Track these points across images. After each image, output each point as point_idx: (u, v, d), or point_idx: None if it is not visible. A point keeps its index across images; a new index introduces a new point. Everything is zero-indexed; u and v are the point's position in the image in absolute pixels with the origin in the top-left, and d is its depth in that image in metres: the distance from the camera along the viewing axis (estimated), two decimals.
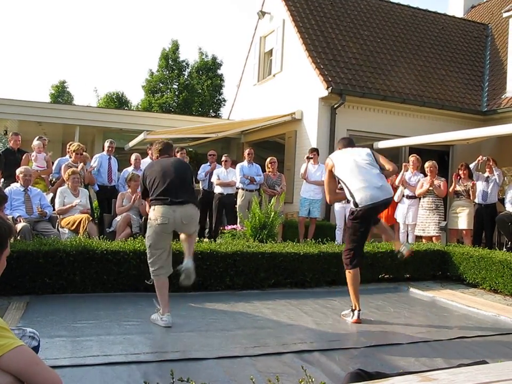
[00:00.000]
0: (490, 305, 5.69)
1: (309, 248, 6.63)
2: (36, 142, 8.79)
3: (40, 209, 7.01)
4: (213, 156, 10.48)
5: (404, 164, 9.34)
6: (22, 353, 1.85)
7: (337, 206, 9.34)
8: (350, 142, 5.48)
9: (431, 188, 8.51)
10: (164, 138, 11.60)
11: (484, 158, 9.20)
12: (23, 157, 8.46)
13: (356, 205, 4.87)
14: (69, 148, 8.91)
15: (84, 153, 9.20)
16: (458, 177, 8.88)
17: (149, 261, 4.66)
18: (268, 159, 9.76)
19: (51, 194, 8.27)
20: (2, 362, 1.80)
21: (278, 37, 13.14)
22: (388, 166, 5.20)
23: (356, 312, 4.86)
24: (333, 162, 5.13)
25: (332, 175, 5.18)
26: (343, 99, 10.67)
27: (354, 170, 4.96)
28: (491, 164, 9.07)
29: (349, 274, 4.94)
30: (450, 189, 8.81)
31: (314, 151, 9.64)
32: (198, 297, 5.54)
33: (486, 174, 9.09)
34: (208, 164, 10.42)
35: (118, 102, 30.61)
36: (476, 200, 8.88)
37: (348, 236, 5.14)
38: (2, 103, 13.02)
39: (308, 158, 9.54)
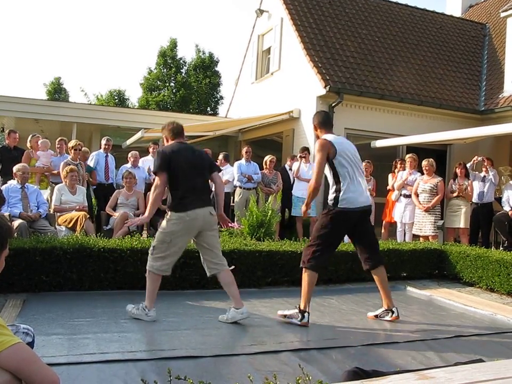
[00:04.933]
0: (487, 304, 5.70)
1: None
2: (40, 140, 8.81)
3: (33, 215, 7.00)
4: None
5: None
6: (19, 350, 1.84)
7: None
8: (331, 121, 5.01)
9: (428, 187, 8.52)
10: (161, 136, 11.65)
11: (479, 158, 9.21)
12: (24, 155, 8.46)
13: (336, 203, 4.62)
14: (58, 144, 8.95)
15: (84, 148, 9.22)
16: (455, 175, 8.93)
17: (157, 256, 4.53)
18: (267, 157, 9.74)
19: (48, 192, 8.28)
20: (0, 359, 1.80)
21: (276, 35, 13.14)
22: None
23: (306, 314, 4.60)
24: (335, 147, 4.61)
25: (326, 159, 4.62)
26: (340, 98, 10.68)
27: (354, 169, 4.68)
28: (486, 164, 9.09)
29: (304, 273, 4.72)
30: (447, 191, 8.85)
31: (305, 150, 9.63)
32: (195, 295, 5.54)
33: (483, 174, 9.12)
34: None
35: (118, 99, 30.56)
36: (473, 200, 8.90)
37: (313, 231, 4.84)
38: None
39: (300, 157, 9.53)
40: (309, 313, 4.62)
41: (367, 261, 4.87)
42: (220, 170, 5.00)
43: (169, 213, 4.57)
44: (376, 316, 4.94)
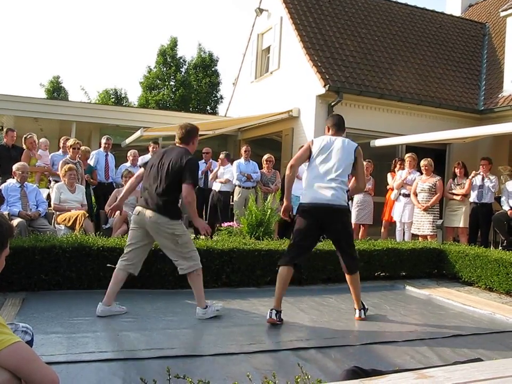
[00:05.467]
0: (485, 304, 5.71)
1: None
2: (42, 140, 8.81)
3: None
4: (207, 153, 10.47)
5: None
6: (19, 349, 1.85)
7: None
8: (340, 124, 5.01)
9: (427, 186, 8.53)
10: (160, 135, 11.67)
11: (477, 172, 9.17)
12: (23, 154, 8.46)
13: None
14: (62, 143, 8.93)
15: (85, 147, 9.21)
16: (454, 175, 8.91)
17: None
18: (265, 156, 9.75)
19: (47, 190, 8.28)
20: (0, 358, 1.80)
21: (275, 34, 13.14)
22: (360, 181, 4.93)
23: (273, 311, 4.58)
24: (314, 144, 4.80)
25: (308, 150, 4.78)
26: (340, 97, 10.68)
27: (320, 167, 4.71)
28: (483, 169, 9.00)
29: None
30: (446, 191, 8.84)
31: None
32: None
33: (481, 178, 9.05)
34: (203, 161, 10.43)
35: (115, 98, 30.54)
36: (471, 200, 8.89)
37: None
38: None
39: None
40: (279, 312, 4.63)
41: (342, 264, 4.90)
42: (191, 183, 4.66)
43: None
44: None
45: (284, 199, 4.96)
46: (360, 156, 4.85)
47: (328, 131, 5.01)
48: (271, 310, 4.58)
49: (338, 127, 4.98)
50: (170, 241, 4.63)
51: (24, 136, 9.03)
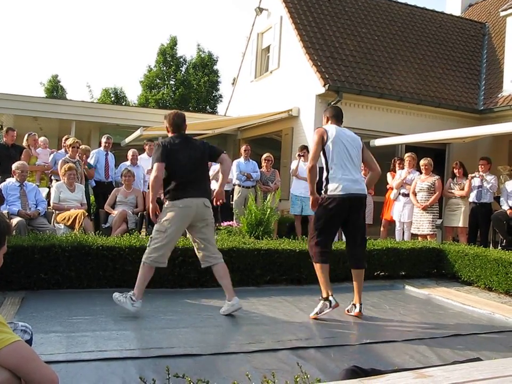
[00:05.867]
0: (485, 303, 5.71)
1: (304, 245, 6.62)
2: (41, 138, 8.80)
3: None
4: None
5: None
6: (19, 348, 1.85)
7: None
8: (339, 116, 5.15)
9: (425, 186, 8.53)
10: (160, 134, 11.65)
11: (473, 174, 9.17)
12: (23, 153, 8.46)
13: (326, 191, 4.81)
14: (64, 142, 8.91)
15: (85, 146, 9.20)
16: (453, 175, 8.91)
17: (154, 245, 4.66)
18: (264, 156, 9.75)
19: (47, 189, 8.28)
20: None
21: (275, 34, 13.12)
22: (374, 165, 5.10)
23: (330, 298, 4.75)
24: (327, 134, 4.86)
25: (321, 142, 4.84)
26: (340, 96, 10.67)
27: (342, 157, 4.80)
28: (481, 169, 9.00)
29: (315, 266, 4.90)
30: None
31: (304, 148, 9.61)
32: (194, 294, 5.54)
33: (480, 173, 9.05)
34: None
35: (115, 97, 30.55)
36: (471, 199, 8.89)
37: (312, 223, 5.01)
38: None
39: (298, 155, 9.51)
40: (333, 296, 4.77)
41: (350, 258, 5.07)
42: (224, 152, 5.06)
43: (166, 202, 4.74)
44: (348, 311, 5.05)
45: (310, 194, 5.00)
46: (364, 144, 5.05)
47: (328, 122, 5.09)
48: (332, 296, 4.73)
49: (337, 117, 5.09)
50: (209, 226, 4.87)
51: (28, 133, 9.03)
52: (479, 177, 8.88)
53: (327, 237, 4.89)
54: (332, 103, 10.73)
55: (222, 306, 4.83)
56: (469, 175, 8.91)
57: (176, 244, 5.64)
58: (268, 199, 7.99)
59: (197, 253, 4.91)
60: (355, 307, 4.97)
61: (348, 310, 5.04)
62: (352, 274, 5.03)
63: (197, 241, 4.85)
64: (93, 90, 32.24)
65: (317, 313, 4.80)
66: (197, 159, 4.78)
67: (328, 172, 4.83)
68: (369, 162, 5.14)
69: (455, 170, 8.91)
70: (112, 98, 30.26)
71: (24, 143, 8.99)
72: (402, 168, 9.30)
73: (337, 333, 4.44)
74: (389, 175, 9.63)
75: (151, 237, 4.76)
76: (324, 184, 4.85)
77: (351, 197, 4.75)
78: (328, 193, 4.78)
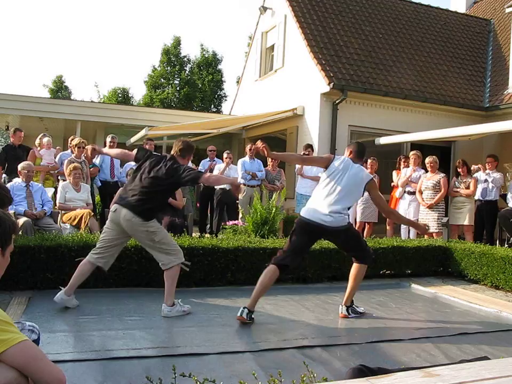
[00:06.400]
0: (492, 302, 5.69)
1: None
2: (45, 139, 8.83)
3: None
4: (212, 151, 10.49)
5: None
6: (26, 348, 1.85)
7: None
8: (362, 154, 5.05)
9: (431, 184, 8.51)
10: (165, 134, 11.69)
11: (476, 167, 9.16)
12: (29, 153, 8.48)
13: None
14: (70, 143, 8.93)
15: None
16: (458, 173, 8.90)
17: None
18: None
19: (53, 189, 8.30)
20: (7, 357, 1.80)
21: (279, 33, 13.11)
22: (382, 204, 5.02)
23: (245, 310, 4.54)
24: (331, 167, 4.80)
25: (314, 162, 4.93)
26: (344, 95, 10.65)
27: (334, 187, 4.72)
28: (481, 171, 8.98)
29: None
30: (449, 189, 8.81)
31: (309, 147, 9.60)
32: (200, 293, 5.55)
33: (487, 171, 9.04)
34: (208, 159, 10.44)
35: (122, 97, 30.63)
36: (476, 197, 8.87)
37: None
38: (4, 98, 13.03)
39: (303, 154, 9.48)
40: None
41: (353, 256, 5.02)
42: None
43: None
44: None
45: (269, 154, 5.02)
46: (373, 188, 4.89)
47: (350, 154, 5.00)
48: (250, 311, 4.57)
49: (359, 154, 4.99)
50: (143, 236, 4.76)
51: (42, 134, 9.08)
52: (478, 169, 8.88)
53: (293, 252, 4.78)
54: (337, 102, 10.72)
55: (228, 306, 4.84)
56: (472, 167, 8.90)
57: (182, 243, 5.66)
58: (273, 198, 7.99)
59: None
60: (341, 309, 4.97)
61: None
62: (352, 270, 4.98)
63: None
64: (100, 90, 32.26)
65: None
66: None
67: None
68: (378, 205, 5.12)
69: (459, 169, 8.89)
70: (120, 98, 30.32)
71: (37, 142, 9.03)
72: (408, 166, 9.27)
73: (343, 332, 4.44)
74: (394, 173, 9.61)
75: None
76: None
77: (312, 224, 4.65)
78: (301, 213, 4.79)
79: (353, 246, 4.96)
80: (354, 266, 4.95)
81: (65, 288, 4.64)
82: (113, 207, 4.82)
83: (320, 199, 4.74)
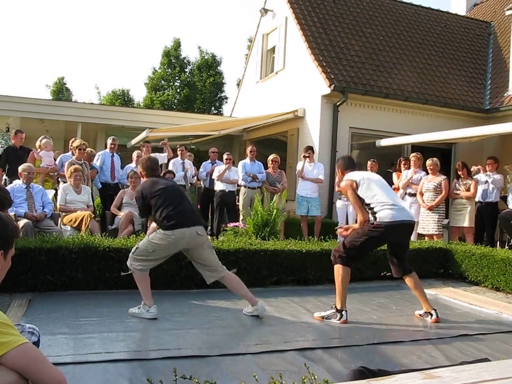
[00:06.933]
0: (492, 303, 5.69)
1: (311, 245, 6.62)
2: (45, 141, 8.83)
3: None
4: (214, 153, 10.50)
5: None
6: (27, 350, 1.85)
7: (339, 204, 9.37)
8: (353, 163, 5.33)
9: (432, 186, 8.51)
10: (166, 135, 11.68)
11: (476, 168, 9.14)
12: (29, 155, 8.49)
13: (375, 218, 4.81)
14: (71, 145, 8.93)
15: (90, 149, 9.23)
16: (458, 176, 8.90)
17: (137, 257, 4.68)
18: (271, 157, 9.74)
19: (53, 191, 8.30)
20: (7, 359, 1.80)
21: (280, 35, 13.12)
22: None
23: (343, 312, 4.77)
24: (356, 183, 4.94)
25: (355, 194, 4.94)
26: (345, 97, 10.66)
27: (382, 187, 4.95)
28: (481, 172, 8.97)
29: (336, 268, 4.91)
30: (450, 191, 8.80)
31: (310, 149, 9.60)
32: (200, 295, 5.54)
33: (485, 176, 9.02)
34: (209, 161, 10.44)
35: (122, 99, 30.65)
36: (476, 199, 8.87)
37: (350, 236, 4.96)
38: (5, 100, 13.03)
39: (304, 156, 9.50)
40: (346, 311, 4.79)
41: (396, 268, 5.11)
42: None
43: (159, 230, 4.72)
44: (420, 315, 5.07)
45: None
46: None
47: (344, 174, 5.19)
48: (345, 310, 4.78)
49: (353, 166, 5.27)
50: (206, 249, 4.85)
51: (43, 136, 9.08)
52: (478, 170, 8.88)
53: (357, 254, 5.00)
54: (338, 104, 10.72)
55: (229, 308, 4.84)
56: (472, 168, 8.89)
57: None
58: (274, 200, 7.99)
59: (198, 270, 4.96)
60: (430, 315, 4.96)
61: (420, 315, 5.08)
62: (409, 284, 5.07)
63: (194, 260, 4.91)
64: (101, 92, 32.24)
65: (322, 317, 4.81)
66: (179, 192, 5.02)
67: (369, 207, 4.88)
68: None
69: (459, 172, 8.89)
70: (119, 100, 30.34)
71: (37, 144, 9.05)
72: (408, 168, 9.27)
73: (344, 334, 4.44)
74: (394, 175, 9.61)
75: (137, 247, 4.75)
76: (372, 216, 4.89)
77: (404, 223, 4.83)
78: (378, 221, 4.79)
79: (408, 249, 5.34)
80: (409, 279, 5.04)
81: (146, 303, 4.64)
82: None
83: (395, 198, 5.07)
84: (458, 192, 8.77)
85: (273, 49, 13.89)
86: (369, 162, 9.25)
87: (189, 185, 10.09)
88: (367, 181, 4.91)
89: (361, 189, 4.88)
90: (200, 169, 10.50)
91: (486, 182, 8.91)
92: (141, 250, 4.69)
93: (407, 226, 4.90)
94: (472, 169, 9.11)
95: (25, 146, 9.06)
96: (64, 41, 60.64)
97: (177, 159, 9.94)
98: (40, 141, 8.99)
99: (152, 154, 9.42)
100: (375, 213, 4.78)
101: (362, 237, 4.81)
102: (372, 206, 4.81)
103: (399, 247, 5.05)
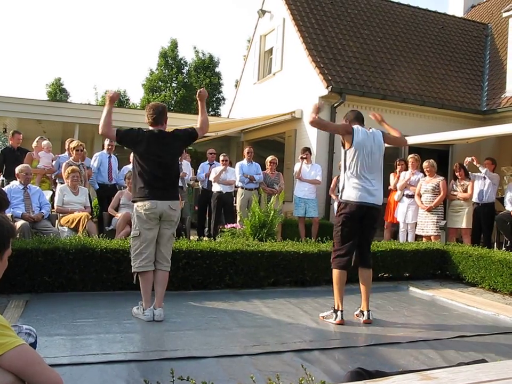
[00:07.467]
0: (489, 304, 5.69)
1: (308, 247, 6.63)
2: (44, 142, 8.82)
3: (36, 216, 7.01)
4: (212, 154, 10.50)
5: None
6: (23, 352, 1.84)
7: (336, 205, 9.38)
8: (361, 118, 5.30)
9: (430, 187, 8.52)
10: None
11: (469, 159, 9.14)
12: (26, 156, 8.47)
13: (341, 196, 4.88)
14: (68, 146, 8.92)
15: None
16: (455, 177, 8.91)
17: (134, 252, 4.68)
18: (269, 158, 9.74)
19: (50, 192, 8.28)
20: (4, 361, 1.79)
21: (278, 36, 13.14)
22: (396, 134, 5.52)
23: (338, 313, 4.75)
24: (354, 133, 4.94)
25: (339, 130, 5.08)
26: (343, 98, 10.67)
27: (365, 165, 4.91)
28: (474, 162, 8.97)
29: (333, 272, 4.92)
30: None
31: (307, 150, 9.60)
32: (198, 296, 5.54)
33: (482, 174, 9.02)
34: (207, 162, 10.44)
35: (118, 100, 30.67)
36: (473, 200, 8.88)
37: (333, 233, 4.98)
38: (2, 101, 12.98)
39: (301, 158, 9.50)
40: (342, 311, 4.77)
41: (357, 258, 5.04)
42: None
43: (134, 204, 4.74)
44: (357, 315, 5.02)
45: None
46: (386, 136, 5.48)
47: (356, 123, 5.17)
48: (341, 311, 4.75)
49: (360, 120, 5.26)
50: (170, 228, 4.79)
51: (40, 137, 9.06)
52: (471, 161, 8.90)
53: (347, 246, 4.86)
54: (335, 105, 10.74)
55: (226, 309, 4.83)
56: (466, 160, 8.91)
57: (180, 246, 5.66)
58: (271, 201, 7.99)
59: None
60: (363, 314, 4.91)
61: (356, 315, 5.02)
62: (362, 278, 5.01)
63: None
64: (99, 93, 32.27)
65: (323, 317, 4.85)
66: (165, 157, 4.85)
67: (344, 178, 4.91)
68: (393, 137, 5.62)
69: (456, 173, 8.90)
70: (116, 101, 30.36)
71: (34, 145, 9.02)
72: (405, 169, 9.28)
73: (341, 335, 4.44)
74: (391, 176, 9.61)
75: (130, 246, 4.76)
76: (340, 189, 4.95)
77: (363, 205, 4.79)
78: (342, 198, 4.85)
79: (373, 235, 5.18)
80: (365, 273, 5.01)
81: (143, 304, 4.61)
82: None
83: (362, 179, 4.96)
84: (455, 193, 8.78)
85: (270, 51, 13.91)
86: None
87: (187, 186, 10.08)
88: (362, 150, 4.94)
89: (350, 151, 4.90)
90: (198, 171, 10.50)
91: (484, 178, 8.90)
92: (132, 244, 4.71)
93: (371, 209, 4.85)
94: (465, 160, 9.02)
95: (23, 147, 9.06)
96: (62, 42, 60.65)
97: None
98: (37, 141, 8.97)
99: None
100: (343, 189, 4.86)
101: (337, 226, 4.86)
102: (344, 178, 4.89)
103: (362, 234, 4.92)
